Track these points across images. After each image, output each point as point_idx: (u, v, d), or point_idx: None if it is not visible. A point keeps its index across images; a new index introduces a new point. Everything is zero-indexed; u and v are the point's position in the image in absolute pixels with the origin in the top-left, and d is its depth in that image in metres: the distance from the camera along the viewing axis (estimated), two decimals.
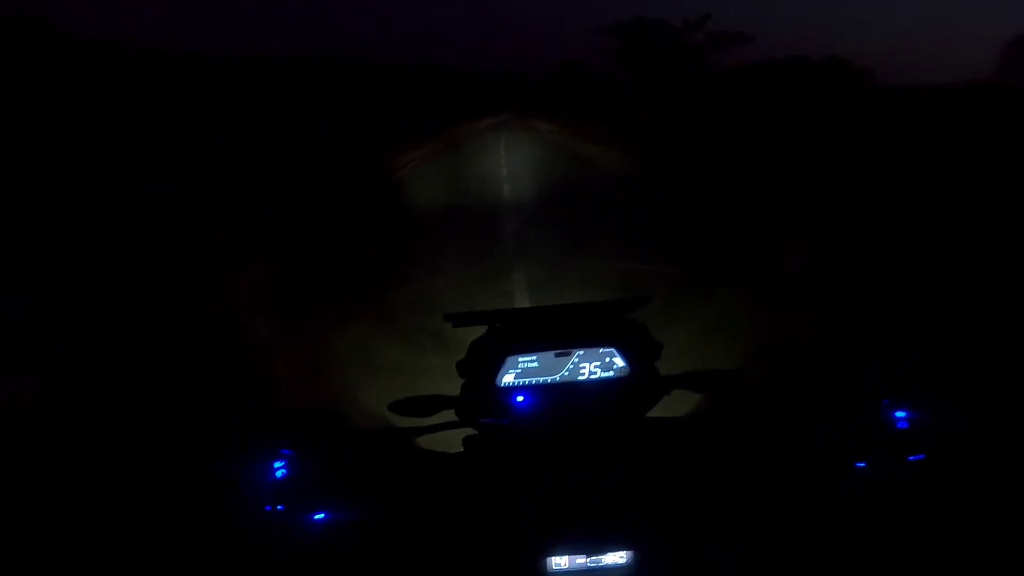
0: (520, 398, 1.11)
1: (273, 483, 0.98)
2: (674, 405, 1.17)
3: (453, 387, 1.16)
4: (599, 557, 0.94)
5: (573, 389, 1.12)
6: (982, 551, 0.91)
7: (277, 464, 0.99)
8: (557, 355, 1.11)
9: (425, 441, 1.11)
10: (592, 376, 1.12)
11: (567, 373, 1.12)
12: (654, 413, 1.15)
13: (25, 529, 0.92)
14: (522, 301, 4.83)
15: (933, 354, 1.06)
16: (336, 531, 0.98)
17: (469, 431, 1.14)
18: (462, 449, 1.13)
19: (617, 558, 0.95)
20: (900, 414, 0.99)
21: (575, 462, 1.03)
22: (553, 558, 0.95)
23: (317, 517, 0.97)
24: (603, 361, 1.12)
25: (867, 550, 0.93)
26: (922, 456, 0.96)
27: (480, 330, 1.18)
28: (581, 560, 0.95)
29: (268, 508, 0.96)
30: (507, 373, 1.12)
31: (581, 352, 1.11)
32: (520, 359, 1.11)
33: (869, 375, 1.04)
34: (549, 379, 1.12)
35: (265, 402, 1.21)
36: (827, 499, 0.97)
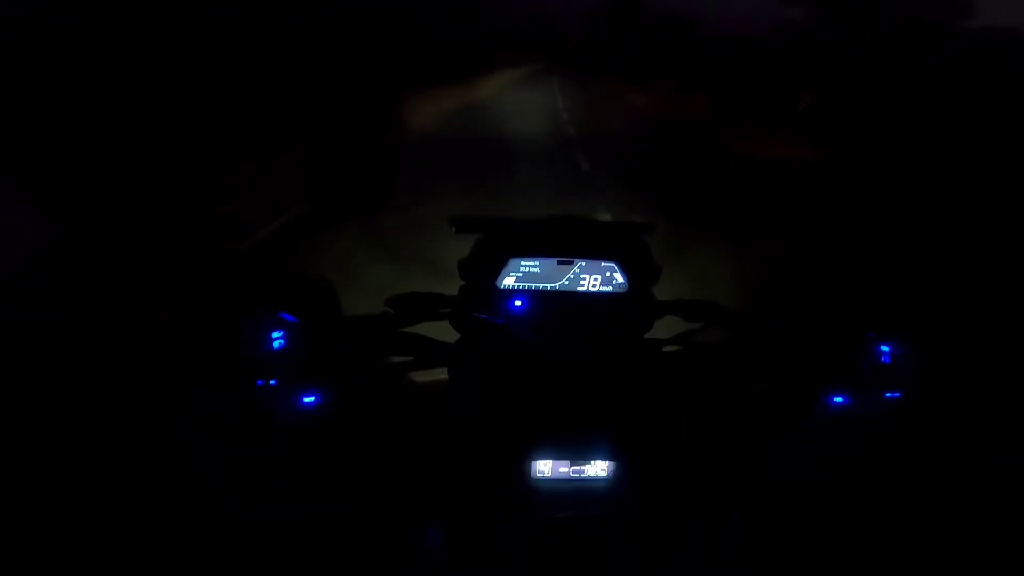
0: (518, 302, 1.11)
1: (268, 353, 0.91)
2: (661, 330, 1.19)
3: None
4: (581, 467, 0.97)
5: (570, 299, 1.12)
6: (947, 496, 0.96)
7: (275, 333, 0.92)
8: (559, 263, 1.11)
9: (420, 332, 1.11)
10: (592, 289, 1.12)
11: (567, 282, 1.12)
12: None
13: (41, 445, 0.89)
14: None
15: (925, 292, 1.06)
16: (324, 418, 0.93)
17: (462, 333, 1.14)
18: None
19: (599, 469, 0.97)
20: (884, 348, 1.00)
21: (564, 371, 1.05)
22: (536, 463, 0.97)
23: (307, 400, 0.93)
24: (604, 275, 1.12)
25: (834, 485, 0.97)
26: (899, 394, 0.98)
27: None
28: (564, 468, 0.97)
29: (260, 383, 0.90)
30: (508, 275, 1.11)
31: (583, 263, 1.11)
32: (522, 262, 1.11)
33: (856, 307, 1.05)
34: (549, 286, 1.12)
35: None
36: (799, 432, 1.00)
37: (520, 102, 17.88)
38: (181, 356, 0.90)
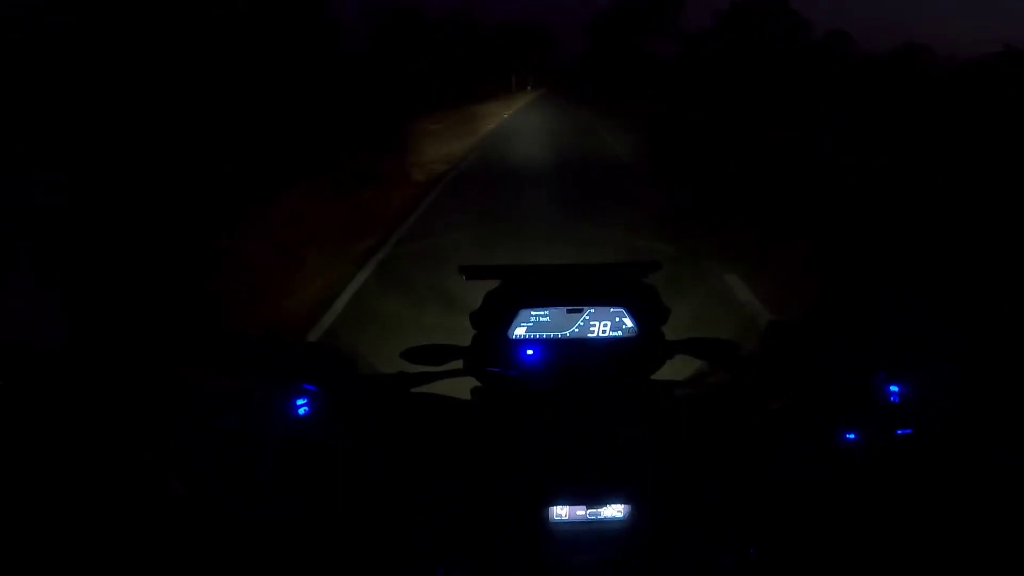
0: (530, 351, 1.14)
1: (295, 421, 0.97)
2: (674, 370, 1.21)
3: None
4: (598, 509, 0.97)
5: (582, 345, 1.15)
6: (962, 526, 0.95)
7: (300, 401, 0.98)
8: (569, 311, 1.14)
9: (434, 389, 1.14)
10: (601, 335, 1.15)
11: (577, 330, 1.15)
12: (656, 376, 1.18)
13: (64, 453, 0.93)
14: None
15: (936, 326, 1.06)
16: (348, 472, 0.98)
17: (476, 382, 1.17)
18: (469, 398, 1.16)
19: (615, 511, 0.97)
20: (893, 388, 1.00)
21: (578, 415, 1.06)
22: (554, 508, 0.97)
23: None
24: (613, 320, 1.14)
25: (852, 520, 0.97)
26: (910, 431, 0.98)
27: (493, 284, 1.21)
28: (581, 512, 0.97)
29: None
30: (519, 326, 1.14)
31: (592, 310, 1.14)
32: (532, 313, 1.14)
33: (866, 347, 1.06)
34: (559, 334, 1.15)
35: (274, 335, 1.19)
36: (816, 468, 1.00)
37: None
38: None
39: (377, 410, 1.06)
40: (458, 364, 1.15)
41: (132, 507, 0.90)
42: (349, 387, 1.05)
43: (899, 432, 0.98)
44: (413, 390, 1.11)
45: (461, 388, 1.18)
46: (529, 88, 46.11)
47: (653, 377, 1.16)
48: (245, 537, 0.92)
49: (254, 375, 1.00)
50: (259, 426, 0.95)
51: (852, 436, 0.99)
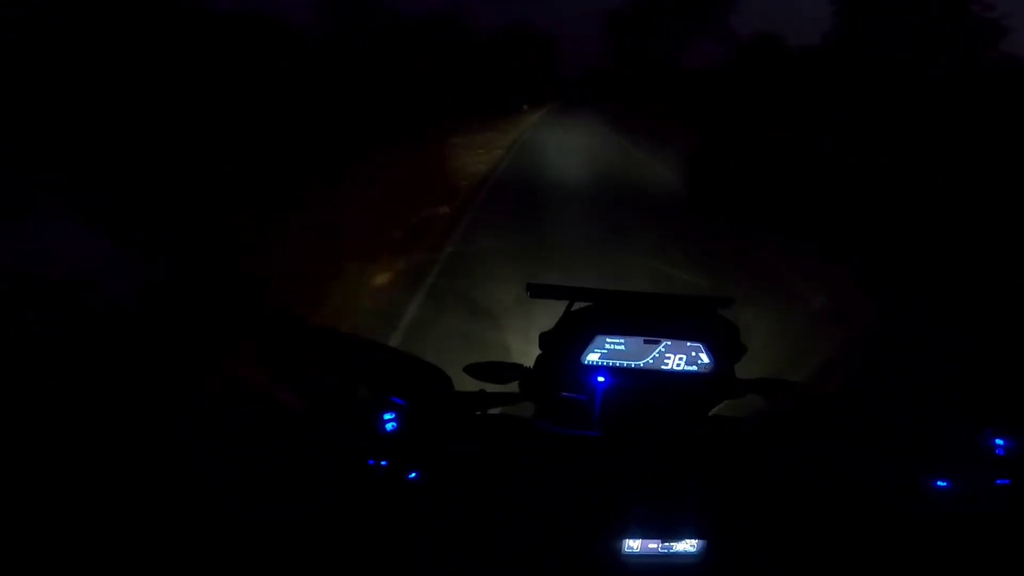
0: (601, 378, 1.12)
1: (382, 436, 0.94)
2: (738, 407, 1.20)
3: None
4: (671, 543, 0.97)
5: (654, 377, 1.14)
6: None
7: (387, 416, 0.94)
8: (646, 342, 1.13)
9: (499, 408, 1.12)
10: (676, 368, 1.13)
11: (651, 361, 1.14)
12: (720, 411, 1.18)
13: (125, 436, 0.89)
14: None
15: None
16: (426, 493, 0.95)
17: (536, 404, 1.16)
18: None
19: (688, 546, 0.97)
20: (999, 441, 1.00)
21: (650, 447, 1.05)
22: (627, 540, 0.97)
23: (410, 476, 0.95)
24: (689, 355, 1.13)
25: (931, 565, 0.97)
26: (1008, 481, 0.98)
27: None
28: (653, 545, 0.97)
29: (372, 463, 0.92)
30: (593, 351, 1.12)
31: (670, 343, 1.12)
32: (608, 340, 1.12)
33: (975, 396, 1.07)
34: (633, 364, 1.13)
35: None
36: (896, 516, 1.00)
37: None
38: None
39: (461, 432, 1.03)
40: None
41: (128, 503, 0.86)
42: (442, 405, 1.02)
43: (998, 482, 0.99)
44: (490, 411, 1.09)
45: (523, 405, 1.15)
46: (526, 108, 32.47)
47: (722, 413, 1.16)
48: (245, 537, 0.89)
49: (345, 379, 0.95)
50: (330, 440, 0.91)
51: (943, 484, 0.99)
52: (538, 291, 1.15)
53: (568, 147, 16.15)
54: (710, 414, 1.16)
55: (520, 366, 1.14)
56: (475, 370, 1.12)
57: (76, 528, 0.84)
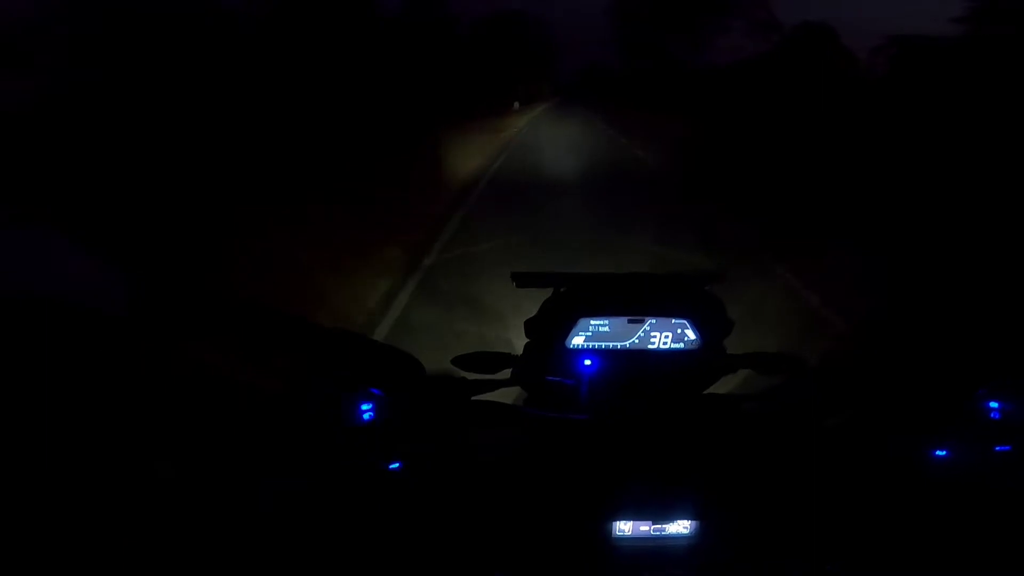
0: (588, 361, 1.10)
1: (359, 427, 0.93)
2: (735, 383, 1.18)
3: None
4: (663, 525, 0.95)
5: (642, 357, 1.12)
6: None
7: (365, 406, 0.94)
8: (630, 321, 1.10)
9: (486, 397, 1.10)
10: (662, 346, 1.12)
11: (637, 340, 1.12)
12: (716, 390, 1.16)
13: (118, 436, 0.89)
14: None
15: None
16: (407, 483, 0.94)
17: (526, 392, 1.14)
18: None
19: (681, 527, 0.95)
20: (994, 404, 0.98)
21: (640, 429, 1.04)
22: (617, 523, 0.95)
23: (392, 467, 0.94)
24: (675, 332, 1.11)
25: (934, 539, 0.95)
26: (1008, 448, 0.96)
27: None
28: (645, 527, 0.95)
29: (350, 454, 0.92)
30: (577, 335, 1.11)
31: (654, 321, 1.10)
32: (592, 322, 1.10)
33: (966, 360, 1.04)
34: (619, 345, 1.12)
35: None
36: (897, 487, 0.98)
37: None
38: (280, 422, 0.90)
39: (443, 420, 1.02)
40: (507, 373, 1.12)
41: (115, 488, 0.86)
42: (418, 393, 1.00)
43: (997, 448, 0.96)
44: (473, 398, 1.08)
45: (512, 394, 1.15)
46: (517, 106, 28.82)
47: (717, 391, 1.14)
48: (228, 529, 0.89)
49: (315, 369, 0.94)
50: (311, 428, 0.90)
51: (943, 453, 0.96)
52: (524, 280, 1.14)
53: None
54: (705, 392, 1.14)
55: (508, 355, 1.13)
56: (463, 361, 1.11)
57: (74, 526, 0.83)
